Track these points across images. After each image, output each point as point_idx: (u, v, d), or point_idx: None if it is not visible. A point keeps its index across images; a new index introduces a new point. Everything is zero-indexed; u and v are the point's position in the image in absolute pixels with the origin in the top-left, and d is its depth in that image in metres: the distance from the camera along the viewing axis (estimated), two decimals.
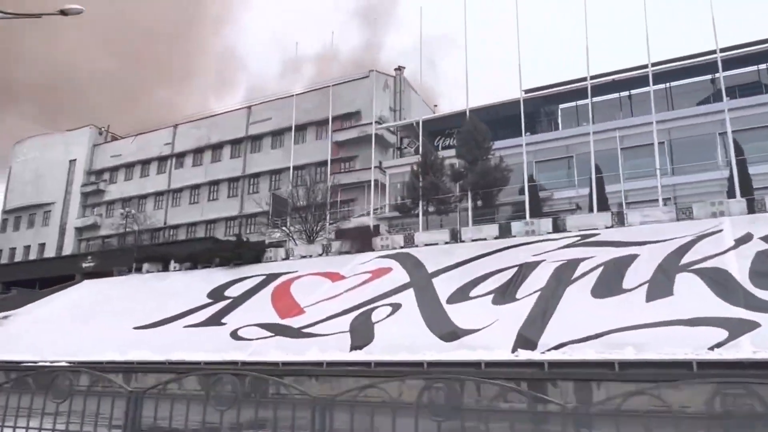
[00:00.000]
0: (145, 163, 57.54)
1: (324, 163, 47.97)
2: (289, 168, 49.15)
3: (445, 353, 17.00)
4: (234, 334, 22.32)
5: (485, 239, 25.70)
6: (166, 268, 34.58)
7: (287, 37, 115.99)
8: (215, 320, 24.45)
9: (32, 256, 61.25)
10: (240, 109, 54.26)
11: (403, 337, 18.41)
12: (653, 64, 29.94)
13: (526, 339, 16.68)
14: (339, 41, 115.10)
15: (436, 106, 55.65)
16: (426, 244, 27.03)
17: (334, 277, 25.68)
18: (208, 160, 53.87)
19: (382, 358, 17.64)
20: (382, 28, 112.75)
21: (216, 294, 27.45)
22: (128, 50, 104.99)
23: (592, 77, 32.23)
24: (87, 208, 60.13)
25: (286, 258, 30.99)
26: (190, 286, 29.64)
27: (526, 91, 32.69)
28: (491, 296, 19.83)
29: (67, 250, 58.79)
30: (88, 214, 59.79)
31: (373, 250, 28.20)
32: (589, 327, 16.14)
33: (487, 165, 26.96)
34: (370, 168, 45.50)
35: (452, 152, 30.21)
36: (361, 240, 28.85)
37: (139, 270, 36.64)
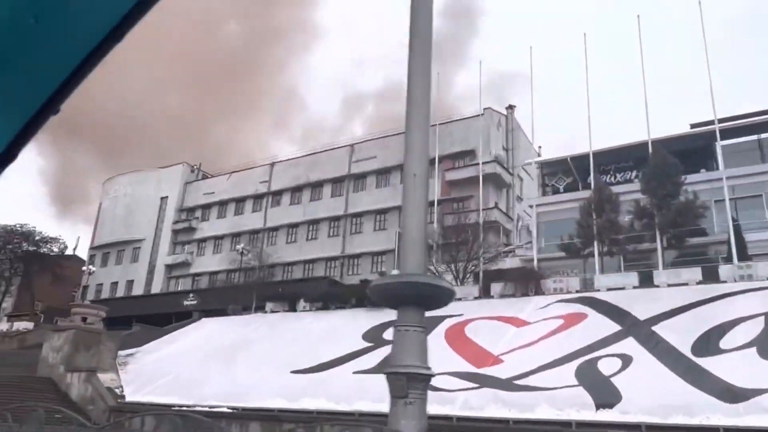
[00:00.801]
0: (240, 200, 56.59)
1: (432, 204, 46.03)
2: (394, 207, 47.41)
3: (740, 418, 14.06)
4: None
5: (686, 284, 22.76)
6: (293, 308, 32.51)
7: (352, 77, 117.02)
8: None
9: (119, 292, 60.42)
10: (341, 147, 53.06)
11: (662, 396, 15.55)
12: None
13: None
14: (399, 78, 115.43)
15: (540, 147, 53.46)
16: (609, 288, 24.24)
17: (516, 322, 23.04)
18: (306, 198, 52.50)
19: (648, 420, 14.79)
20: (450, 66, 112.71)
21: (373, 337, 25.05)
22: (193, 88, 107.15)
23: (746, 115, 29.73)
24: (177, 246, 59.25)
25: None
26: (337, 327, 27.38)
27: (693, 126, 30.18)
28: (753, 348, 16.86)
29: (156, 287, 57.70)
30: (178, 251, 58.86)
31: (543, 293, 25.53)
32: None
33: (683, 202, 24.28)
34: (489, 208, 43.33)
35: (624, 188, 27.69)
36: (525, 282, 26.24)
37: (259, 309, 34.77)
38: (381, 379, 21.63)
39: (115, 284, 61.56)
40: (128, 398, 24.49)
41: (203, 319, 35.27)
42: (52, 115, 0.86)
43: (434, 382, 20.04)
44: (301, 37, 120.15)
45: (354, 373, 21.92)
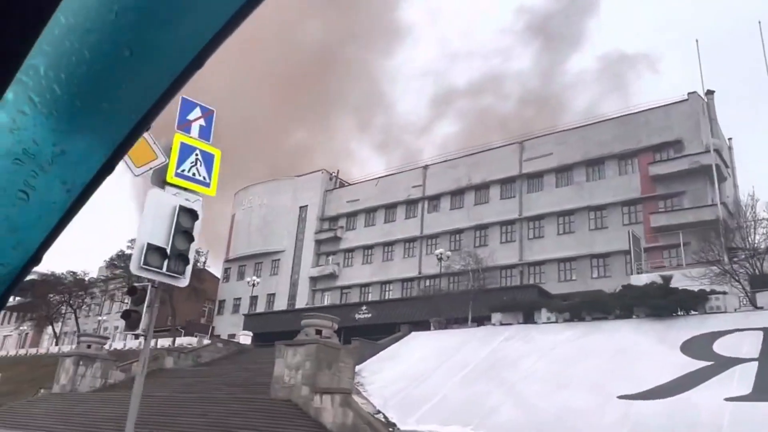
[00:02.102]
0: (390, 207, 52.83)
1: (631, 202, 40.69)
2: (582, 208, 42.37)
3: None
4: None
5: None
6: (530, 320, 27.91)
7: (441, 73, 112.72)
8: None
9: (260, 306, 57.71)
10: (507, 145, 48.49)
11: None
12: None
13: None
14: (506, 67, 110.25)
15: (731, 138, 47.09)
16: None
17: None
18: (470, 201, 48.11)
19: None
20: (561, 50, 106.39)
21: (700, 352, 20.04)
22: (268, 96, 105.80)
23: None
24: (321, 257, 56.08)
25: (738, 308, 23.29)
26: (625, 342, 22.50)
27: None
28: None
29: (301, 301, 54.57)
30: (322, 262, 55.66)
31: None
32: None
33: None
34: (706, 205, 37.57)
35: None
36: None
37: (475, 321, 30.48)
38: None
39: (254, 298, 58.92)
40: (402, 427, 20.41)
41: (413, 333, 31.17)
42: (144, 132, 1.08)
43: None
44: (385, 37, 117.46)
45: (727, 400, 16.92)
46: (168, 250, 7.64)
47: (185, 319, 59.67)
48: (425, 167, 51.90)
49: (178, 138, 8.36)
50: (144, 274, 7.64)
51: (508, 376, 22.20)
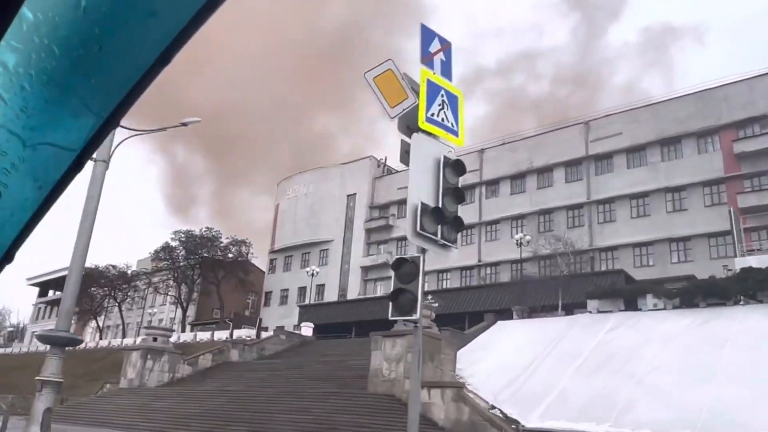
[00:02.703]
0: None
1: (714, 182, 38.39)
2: (657, 190, 40.17)
3: None
4: None
5: None
6: (631, 306, 25.97)
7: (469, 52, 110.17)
8: None
9: (309, 298, 56.32)
10: (570, 126, 46.27)
11: None
12: None
13: None
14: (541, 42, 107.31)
15: None
16: None
17: None
18: (532, 185, 46.06)
19: None
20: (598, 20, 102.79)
21: None
22: (296, 78, 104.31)
23: None
24: (372, 245, 54.48)
25: None
26: (756, 327, 20.49)
27: None
28: None
29: (352, 290, 53.06)
30: (373, 251, 54.06)
31: None
32: None
33: None
34: None
35: None
36: None
37: (564, 309, 28.62)
38: None
39: (302, 289, 57.58)
40: (526, 424, 18.69)
41: (499, 322, 29.39)
42: (113, 129, 1.12)
43: None
44: (407, 17, 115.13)
45: None
46: (443, 213, 5.95)
47: (231, 312, 58.56)
48: (481, 151, 49.88)
49: (425, 74, 6.64)
50: (420, 243, 5.95)
51: (633, 367, 20.31)
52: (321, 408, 20.38)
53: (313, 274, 45.87)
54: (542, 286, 30.49)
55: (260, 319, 59.48)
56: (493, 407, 20.07)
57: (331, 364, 29.01)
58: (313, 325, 40.43)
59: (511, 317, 30.37)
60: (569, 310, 28.77)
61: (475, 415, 19.02)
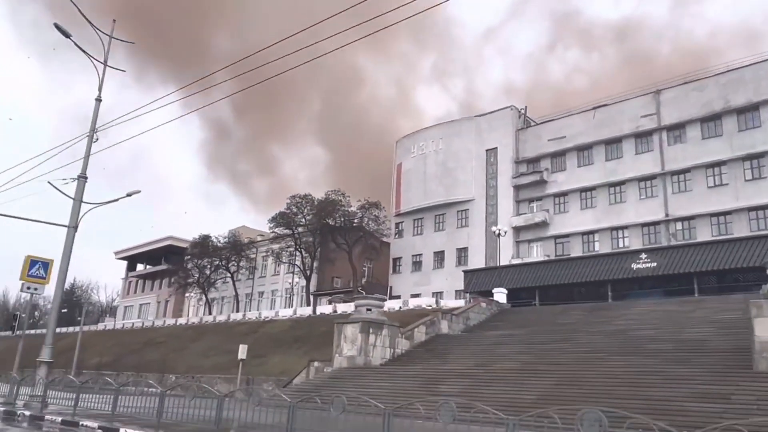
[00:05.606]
0: (612, 142, 45.56)
1: None
2: None
3: None
4: None
5: None
6: None
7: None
8: None
9: (448, 263, 51.91)
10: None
11: None
12: None
13: None
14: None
15: None
16: None
17: None
18: (731, 128, 40.37)
19: None
20: None
21: None
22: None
23: None
24: (522, 204, 49.53)
25: None
26: None
27: None
28: None
29: (504, 253, 48.31)
30: (524, 210, 49.13)
31: None
32: None
33: None
34: None
35: None
36: None
37: None
38: None
39: (439, 254, 53.16)
40: None
41: None
42: None
43: None
44: None
45: None
46: None
47: (355, 280, 54.52)
48: (657, 92, 44.18)
49: None
50: None
51: None
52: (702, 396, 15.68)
53: (499, 234, 41.02)
54: None
55: (390, 288, 55.48)
56: None
57: (607, 334, 24.42)
58: (506, 291, 35.90)
59: None
60: None
61: None
